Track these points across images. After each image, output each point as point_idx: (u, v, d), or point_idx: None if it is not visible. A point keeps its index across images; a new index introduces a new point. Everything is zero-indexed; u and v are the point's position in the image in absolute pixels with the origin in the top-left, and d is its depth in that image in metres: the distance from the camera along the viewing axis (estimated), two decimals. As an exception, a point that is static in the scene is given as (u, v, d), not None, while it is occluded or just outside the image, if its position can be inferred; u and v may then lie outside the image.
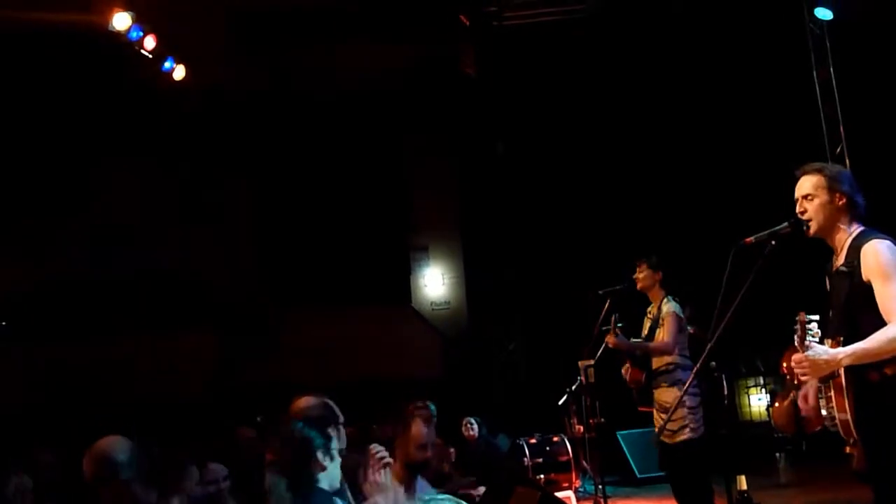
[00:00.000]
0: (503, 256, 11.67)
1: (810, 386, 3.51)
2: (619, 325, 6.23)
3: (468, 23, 11.33)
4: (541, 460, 8.87)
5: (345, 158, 13.06)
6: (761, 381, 11.83)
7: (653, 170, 11.67)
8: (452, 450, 8.29)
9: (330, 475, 3.27)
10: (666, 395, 5.96)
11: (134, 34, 9.26)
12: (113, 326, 11.86)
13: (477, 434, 8.89)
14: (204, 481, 4.63)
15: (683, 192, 11.50)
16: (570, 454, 8.92)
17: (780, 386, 9.59)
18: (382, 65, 11.79)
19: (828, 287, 3.54)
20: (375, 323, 12.80)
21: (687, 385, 5.13)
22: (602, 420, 7.94)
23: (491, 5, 11.21)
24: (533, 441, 9.04)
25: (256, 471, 3.56)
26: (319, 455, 3.23)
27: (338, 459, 3.33)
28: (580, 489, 9.16)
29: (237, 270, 12.95)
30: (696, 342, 6.14)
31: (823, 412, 3.41)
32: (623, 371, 6.29)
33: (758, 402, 11.83)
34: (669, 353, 6.00)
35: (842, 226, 3.45)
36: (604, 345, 6.52)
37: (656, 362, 6.09)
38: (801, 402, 3.56)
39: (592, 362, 7.50)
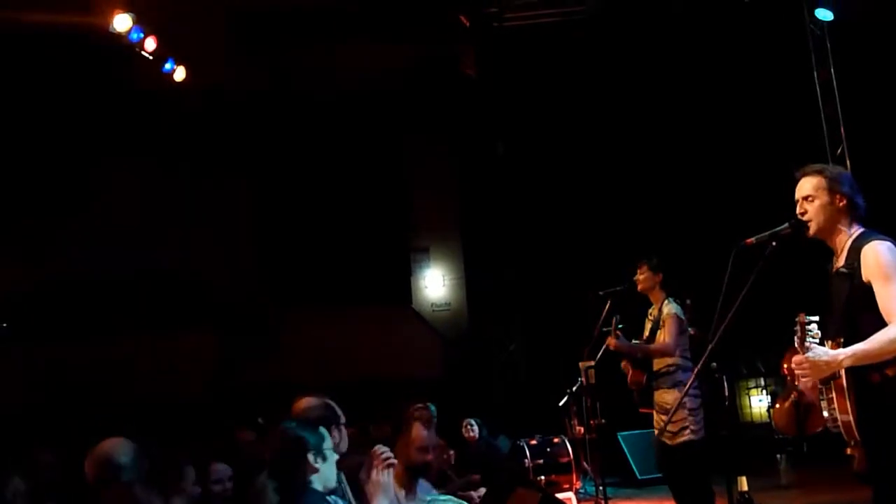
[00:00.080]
0: (503, 257, 11.66)
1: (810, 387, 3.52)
2: (620, 326, 6.23)
3: (468, 23, 11.34)
4: (541, 461, 8.86)
5: (345, 159, 13.07)
6: (762, 383, 11.85)
7: (653, 170, 11.66)
8: (452, 451, 8.28)
9: (323, 476, 3.25)
10: (667, 396, 5.96)
11: (134, 36, 9.26)
12: (113, 326, 11.84)
13: (477, 435, 8.86)
14: (209, 481, 4.62)
15: (684, 193, 11.49)
16: (571, 455, 8.91)
17: (781, 387, 9.57)
18: (382, 65, 11.80)
19: (828, 288, 3.54)
20: (376, 323, 12.81)
21: (687, 386, 5.11)
22: (603, 421, 7.92)
23: (491, 6, 11.22)
24: (533, 442, 9.03)
25: (256, 473, 3.55)
26: (310, 457, 3.21)
27: (331, 460, 3.30)
28: (581, 490, 9.15)
29: (237, 270, 12.94)
30: (696, 343, 6.13)
31: (825, 413, 3.41)
32: (623, 365, 6.29)
33: (758, 403, 11.84)
34: (670, 354, 5.99)
35: (842, 227, 3.46)
36: (604, 346, 6.51)
37: (657, 364, 6.08)
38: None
39: (593, 363, 7.50)
